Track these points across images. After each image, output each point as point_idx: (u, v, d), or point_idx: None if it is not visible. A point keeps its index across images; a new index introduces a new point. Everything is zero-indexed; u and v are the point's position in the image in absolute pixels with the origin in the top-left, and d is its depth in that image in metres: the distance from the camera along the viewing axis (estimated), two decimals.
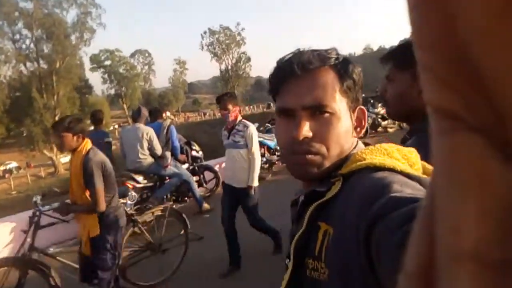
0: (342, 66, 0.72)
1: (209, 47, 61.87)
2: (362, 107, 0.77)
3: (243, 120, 3.51)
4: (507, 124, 0.11)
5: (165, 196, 5.18)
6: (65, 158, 41.44)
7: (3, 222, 4.70)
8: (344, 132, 0.71)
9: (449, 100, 0.12)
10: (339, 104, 0.71)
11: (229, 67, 62.18)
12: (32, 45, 38.11)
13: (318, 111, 0.70)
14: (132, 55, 64.38)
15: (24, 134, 37.51)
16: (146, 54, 66.33)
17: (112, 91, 61.28)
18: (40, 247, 3.05)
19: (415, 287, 0.14)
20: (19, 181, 36.26)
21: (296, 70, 0.70)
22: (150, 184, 4.98)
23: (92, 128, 5.29)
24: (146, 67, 66.58)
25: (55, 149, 37.33)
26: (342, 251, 0.60)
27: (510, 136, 0.12)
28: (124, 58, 60.61)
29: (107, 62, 58.81)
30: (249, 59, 63.23)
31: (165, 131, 5.24)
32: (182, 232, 3.78)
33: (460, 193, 0.12)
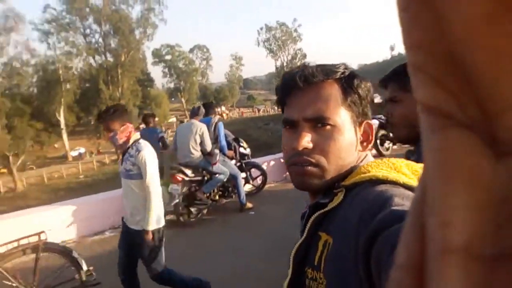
0: (347, 80, 0.73)
1: (265, 43, 62.14)
2: (370, 121, 0.76)
3: (139, 141, 2.68)
4: (495, 121, 0.12)
5: (211, 191, 5.31)
6: None
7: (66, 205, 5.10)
8: (346, 145, 0.71)
9: (440, 98, 0.13)
10: (342, 117, 0.71)
11: (285, 64, 61.95)
12: (100, 40, 40.92)
13: (320, 124, 0.71)
14: (191, 50, 66.40)
15: (92, 123, 40.41)
16: (205, 50, 68.01)
17: (172, 85, 63.81)
18: None
19: (406, 279, 0.15)
20: (86, 166, 39.20)
21: (299, 83, 0.71)
22: (199, 178, 5.13)
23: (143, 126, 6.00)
24: (204, 62, 68.31)
25: None
26: (341, 262, 0.60)
27: (498, 133, 0.12)
28: (184, 53, 62.77)
29: (168, 57, 61.27)
30: (305, 56, 62.56)
31: (213, 127, 5.36)
32: (77, 276, 2.91)
33: (451, 188, 0.13)
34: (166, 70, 61.57)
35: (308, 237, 0.71)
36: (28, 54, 38.05)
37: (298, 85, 0.72)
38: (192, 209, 5.01)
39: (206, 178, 5.24)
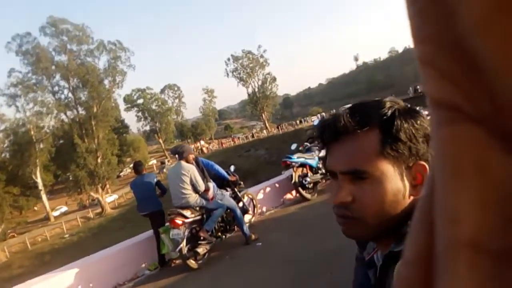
0: (386, 125, 0.66)
1: (234, 73, 63.02)
2: (422, 162, 0.68)
3: None
4: (506, 114, 0.12)
5: (214, 228, 5.16)
6: (110, 197, 43.06)
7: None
8: (390, 196, 0.66)
9: (449, 91, 0.13)
10: (382, 167, 0.66)
11: (256, 90, 62.84)
12: (70, 94, 40.55)
13: (357, 176, 0.67)
14: (162, 91, 66.65)
15: (71, 179, 39.42)
16: (175, 88, 68.45)
17: (147, 127, 63.60)
18: None
19: (414, 275, 0.15)
20: (70, 224, 37.85)
21: (332, 135, 0.70)
22: (198, 217, 4.99)
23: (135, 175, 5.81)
24: (177, 101, 68.64)
25: (100, 190, 38.92)
26: None
27: (508, 126, 0.12)
28: (155, 95, 62.90)
29: (140, 101, 61.26)
30: (274, 79, 63.70)
31: (195, 165, 5.26)
32: None
33: (459, 183, 0.13)
34: (140, 114, 61.42)
35: None
36: None
37: (332, 137, 0.70)
38: (198, 250, 4.83)
39: (205, 216, 5.10)
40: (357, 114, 0.68)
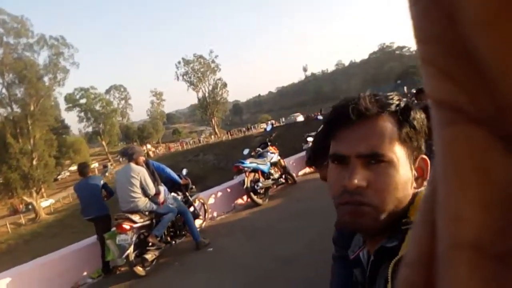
0: (402, 113, 0.68)
1: (185, 76, 62.08)
2: (424, 156, 0.71)
3: None
4: (508, 115, 0.12)
5: (163, 233, 4.98)
6: (46, 202, 40.11)
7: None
8: (402, 183, 0.66)
9: (451, 92, 0.13)
10: (398, 153, 0.66)
11: (206, 94, 62.38)
12: (4, 90, 37.37)
13: (374, 160, 0.66)
14: (108, 91, 63.86)
15: (1, 181, 36.16)
16: (122, 89, 65.93)
17: (90, 129, 60.44)
18: None
19: (416, 275, 0.14)
20: None
21: (352, 116, 0.67)
22: (147, 222, 4.79)
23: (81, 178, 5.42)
24: (123, 102, 66.11)
25: (34, 194, 36.14)
26: None
27: (511, 127, 0.12)
28: (100, 95, 60.03)
29: (83, 101, 58.10)
30: (225, 85, 63.70)
31: (146, 167, 5.08)
32: None
33: (462, 183, 0.12)
34: (82, 114, 58.22)
35: None
36: None
37: (351, 119, 0.67)
38: (146, 256, 4.63)
39: (154, 220, 4.91)
40: (376, 99, 0.69)
